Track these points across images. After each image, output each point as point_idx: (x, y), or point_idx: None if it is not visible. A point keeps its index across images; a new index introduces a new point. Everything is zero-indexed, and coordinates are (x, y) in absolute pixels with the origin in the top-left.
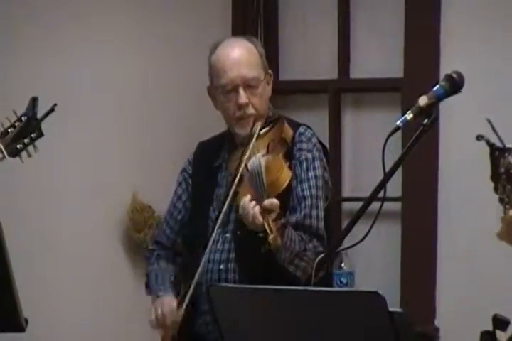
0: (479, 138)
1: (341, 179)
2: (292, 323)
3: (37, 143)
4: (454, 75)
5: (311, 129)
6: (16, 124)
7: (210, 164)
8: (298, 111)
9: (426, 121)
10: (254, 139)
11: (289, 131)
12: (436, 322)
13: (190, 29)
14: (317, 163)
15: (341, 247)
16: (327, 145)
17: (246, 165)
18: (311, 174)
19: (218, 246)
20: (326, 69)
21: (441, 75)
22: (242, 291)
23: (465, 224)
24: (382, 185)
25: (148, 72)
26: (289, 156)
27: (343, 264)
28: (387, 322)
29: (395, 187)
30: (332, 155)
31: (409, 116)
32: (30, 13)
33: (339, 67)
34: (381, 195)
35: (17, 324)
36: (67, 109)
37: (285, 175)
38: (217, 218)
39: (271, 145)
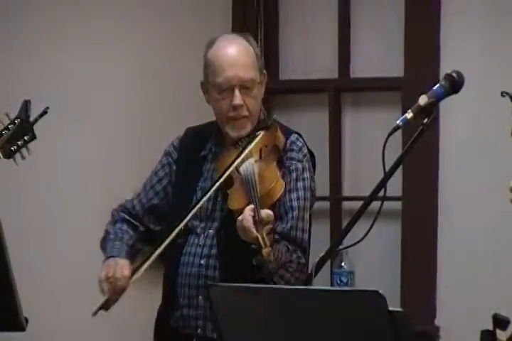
0: (503, 94)
1: (341, 178)
2: (292, 323)
3: (37, 143)
4: (454, 74)
5: (302, 138)
6: (10, 127)
7: (196, 153)
8: (298, 110)
9: (426, 120)
10: (252, 145)
11: (281, 139)
12: (437, 322)
13: (190, 29)
14: (306, 174)
15: (341, 246)
16: (326, 145)
17: (237, 168)
18: (300, 184)
19: (200, 241)
20: (326, 69)
21: (441, 74)
22: (242, 291)
23: (465, 223)
24: (382, 185)
25: (148, 73)
26: (279, 164)
27: (343, 263)
28: (388, 322)
29: (395, 186)
30: (332, 154)
31: (409, 115)
32: (23, 13)
33: (339, 67)
34: (381, 194)
35: (17, 323)
36: (66, 109)
37: (279, 187)
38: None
39: (263, 151)
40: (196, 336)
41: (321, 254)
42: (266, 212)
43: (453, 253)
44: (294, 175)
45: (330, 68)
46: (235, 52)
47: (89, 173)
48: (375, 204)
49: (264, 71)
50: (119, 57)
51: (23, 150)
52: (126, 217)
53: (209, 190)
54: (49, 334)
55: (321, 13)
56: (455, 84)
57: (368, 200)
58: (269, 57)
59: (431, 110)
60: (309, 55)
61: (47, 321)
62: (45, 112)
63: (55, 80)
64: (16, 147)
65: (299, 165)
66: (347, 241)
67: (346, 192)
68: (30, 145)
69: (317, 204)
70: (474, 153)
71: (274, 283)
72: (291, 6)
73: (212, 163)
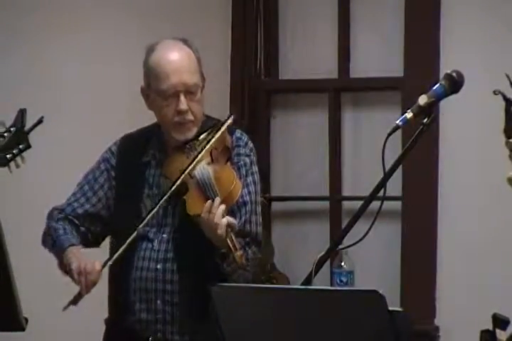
0: (496, 92)
1: (341, 178)
2: (292, 322)
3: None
4: (454, 74)
5: (245, 133)
6: (5, 135)
7: (137, 159)
8: (298, 110)
9: (426, 120)
10: (204, 151)
11: (229, 139)
12: (436, 322)
13: (190, 29)
14: (254, 168)
15: (341, 246)
16: (326, 145)
17: (190, 174)
18: (250, 179)
19: (154, 246)
20: (326, 69)
21: (441, 74)
22: (242, 291)
23: (465, 223)
24: (382, 184)
25: None
26: (231, 163)
27: (343, 263)
28: (387, 322)
29: (395, 186)
30: (332, 154)
31: (409, 115)
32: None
33: (339, 67)
34: (381, 194)
35: (17, 323)
36: (63, 109)
37: (237, 188)
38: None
39: (214, 153)
40: (156, 339)
41: (321, 254)
42: (230, 218)
43: (453, 253)
44: (243, 170)
45: (330, 68)
46: (178, 58)
47: None
48: (375, 204)
49: (204, 75)
50: (117, 58)
51: (18, 158)
52: (69, 216)
53: (164, 196)
54: (49, 334)
55: (321, 13)
56: (455, 83)
57: (367, 200)
58: (269, 57)
59: (431, 110)
60: (309, 55)
61: (47, 321)
62: (40, 121)
63: (52, 82)
64: (11, 155)
65: (247, 160)
66: (347, 241)
67: (346, 192)
68: (25, 154)
69: (317, 204)
70: (474, 153)
71: (234, 282)
72: (291, 5)
73: (157, 168)
